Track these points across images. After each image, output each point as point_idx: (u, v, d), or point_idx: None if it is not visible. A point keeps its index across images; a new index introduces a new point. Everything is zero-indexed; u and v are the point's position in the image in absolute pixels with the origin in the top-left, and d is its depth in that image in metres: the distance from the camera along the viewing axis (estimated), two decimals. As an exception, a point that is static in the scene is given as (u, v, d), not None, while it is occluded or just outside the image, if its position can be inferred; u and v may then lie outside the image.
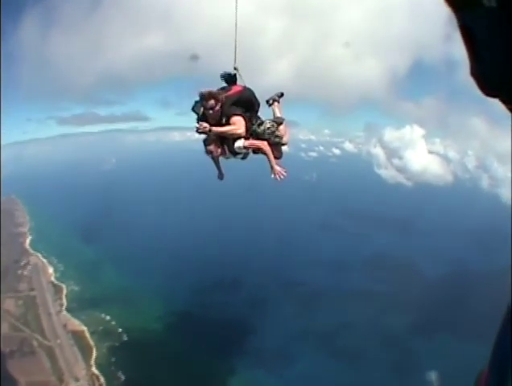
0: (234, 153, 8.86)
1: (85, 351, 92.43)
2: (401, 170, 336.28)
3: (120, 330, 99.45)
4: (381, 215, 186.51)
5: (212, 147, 8.68)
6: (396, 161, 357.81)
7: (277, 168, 8.69)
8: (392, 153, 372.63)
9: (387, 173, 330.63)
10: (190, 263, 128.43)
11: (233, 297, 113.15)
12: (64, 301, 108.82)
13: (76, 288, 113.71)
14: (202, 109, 8.53)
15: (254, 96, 9.02)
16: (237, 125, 8.49)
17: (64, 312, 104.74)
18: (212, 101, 8.38)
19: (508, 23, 1.26)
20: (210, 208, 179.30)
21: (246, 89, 8.92)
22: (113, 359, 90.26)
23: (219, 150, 8.79)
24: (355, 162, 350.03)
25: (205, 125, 8.30)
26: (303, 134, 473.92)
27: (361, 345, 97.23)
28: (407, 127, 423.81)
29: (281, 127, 9.15)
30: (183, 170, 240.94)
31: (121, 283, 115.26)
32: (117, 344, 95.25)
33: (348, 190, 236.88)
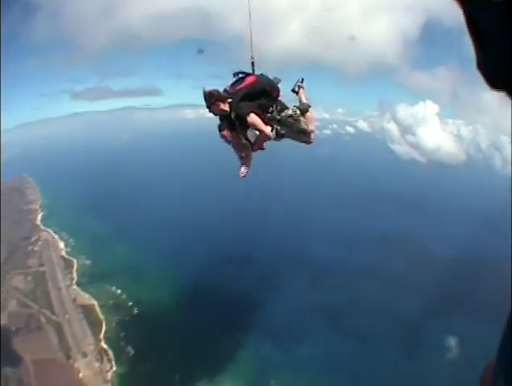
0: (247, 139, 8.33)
1: (95, 326, 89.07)
2: (414, 146, 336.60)
3: (130, 303, 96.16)
4: (394, 192, 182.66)
5: (225, 132, 8.14)
6: (410, 137, 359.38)
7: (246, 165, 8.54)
8: (406, 129, 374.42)
9: (401, 148, 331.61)
10: (201, 238, 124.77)
11: (243, 271, 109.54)
12: (75, 275, 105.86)
13: (88, 262, 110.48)
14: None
15: (270, 84, 8.37)
16: (257, 124, 8.05)
17: (74, 286, 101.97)
18: (213, 102, 7.90)
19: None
20: (221, 184, 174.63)
21: (259, 79, 8.30)
22: (122, 334, 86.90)
23: (232, 134, 8.14)
24: (369, 140, 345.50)
25: (230, 136, 8.21)
26: (317, 112, 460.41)
27: (371, 323, 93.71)
28: (421, 103, 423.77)
29: (307, 114, 8.67)
30: (195, 148, 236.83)
31: (132, 257, 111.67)
32: (127, 318, 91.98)
33: (362, 166, 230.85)
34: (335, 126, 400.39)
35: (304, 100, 8.89)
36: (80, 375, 76.89)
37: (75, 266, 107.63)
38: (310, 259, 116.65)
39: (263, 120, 8.11)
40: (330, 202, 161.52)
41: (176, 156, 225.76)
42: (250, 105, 8.02)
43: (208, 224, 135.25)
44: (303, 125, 8.53)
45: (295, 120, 8.44)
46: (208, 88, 7.90)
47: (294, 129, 8.50)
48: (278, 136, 8.45)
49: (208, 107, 7.93)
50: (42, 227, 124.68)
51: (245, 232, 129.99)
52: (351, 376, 78.66)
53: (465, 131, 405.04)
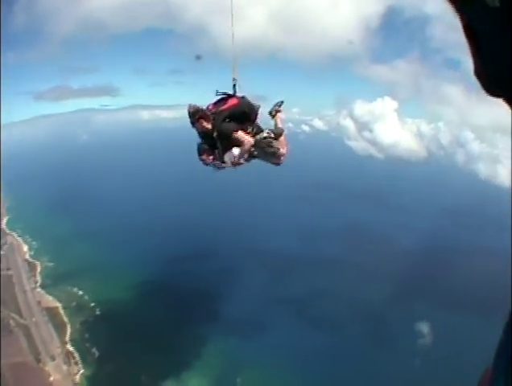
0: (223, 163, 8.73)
1: (60, 328, 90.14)
2: (372, 142, 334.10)
3: (92, 304, 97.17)
4: (353, 187, 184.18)
5: (204, 156, 8.63)
6: (367, 134, 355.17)
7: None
8: (362, 126, 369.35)
9: (358, 145, 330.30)
10: (161, 235, 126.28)
11: (205, 266, 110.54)
12: (39, 278, 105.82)
13: (50, 264, 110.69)
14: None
15: (249, 107, 8.84)
16: (243, 138, 8.48)
17: (39, 289, 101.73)
18: (198, 120, 8.31)
19: (511, 23, 1.25)
20: (180, 182, 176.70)
21: (241, 102, 8.71)
22: (86, 335, 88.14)
23: (210, 158, 8.65)
24: (325, 138, 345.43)
25: (209, 160, 8.55)
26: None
27: (336, 313, 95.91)
28: (379, 100, 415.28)
29: (281, 138, 9.03)
30: (151, 148, 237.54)
31: (93, 257, 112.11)
32: (90, 319, 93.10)
33: (319, 163, 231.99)
34: (290, 125, 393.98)
35: (279, 125, 9.25)
36: (51, 378, 78.01)
37: (38, 269, 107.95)
38: (272, 252, 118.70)
39: (235, 143, 8.53)
40: (290, 197, 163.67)
41: (134, 156, 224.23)
42: (234, 126, 8.44)
43: (168, 221, 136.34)
44: (275, 148, 8.84)
45: (268, 142, 8.78)
46: (193, 106, 8.26)
47: (266, 151, 8.82)
48: (250, 156, 8.80)
49: (191, 123, 8.31)
50: (7, 230, 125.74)
51: (206, 227, 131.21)
52: (319, 367, 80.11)
53: (426, 128, 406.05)
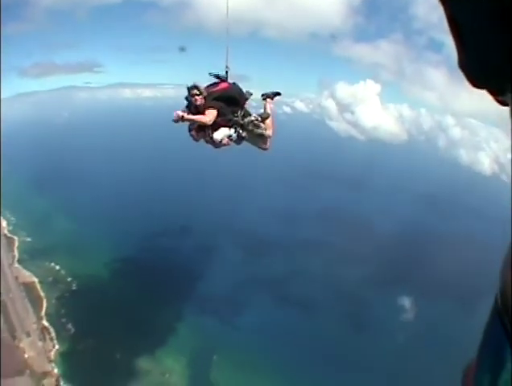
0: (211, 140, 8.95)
1: (36, 303, 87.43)
2: (353, 124, 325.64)
3: (69, 279, 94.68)
4: (333, 169, 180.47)
5: (193, 132, 8.85)
6: (348, 115, 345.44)
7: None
8: (344, 108, 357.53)
9: (339, 126, 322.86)
10: (138, 212, 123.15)
11: (181, 243, 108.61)
12: (16, 253, 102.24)
13: (28, 239, 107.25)
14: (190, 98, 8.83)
15: (239, 93, 9.30)
16: (207, 115, 8.66)
17: (16, 264, 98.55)
18: (195, 92, 8.69)
19: (496, 15, 1.18)
20: (159, 159, 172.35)
21: (232, 87, 9.21)
22: (62, 311, 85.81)
23: (199, 134, 8.85)
24: (306, 120, 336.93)
25: (179, 113, 8.56)
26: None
27: (312, 293, 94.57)
28: (361, 82, 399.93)
29: (267, 121, 9.53)
30: (133, 125, 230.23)
31: (70, 233, 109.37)
32: (66, 294, 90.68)
33: (300, 144, 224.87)
34: (271, 106, 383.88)
35: (268, 110, 9.71)
36: (26, 355, 75.94)
37: (16, 244, 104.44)
38: (249, 232, 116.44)
39: (223, 123, 8.86)
40: (268, 178, 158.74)
41: (116, 133, 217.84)
42: (218, 104, 8.78)
43: (146, 198, 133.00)
44: (261, 130, 9.33)
45: (255, 125, 9.24)
46: (193, 83, 8.68)
47: (254, 133, 9.26)
48: (239, 138, 9.15)
49: (189, 95, 8.73)
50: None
51: (183, 205, 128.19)
52: (296, 347, 79.48)
53: (408, 112, 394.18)
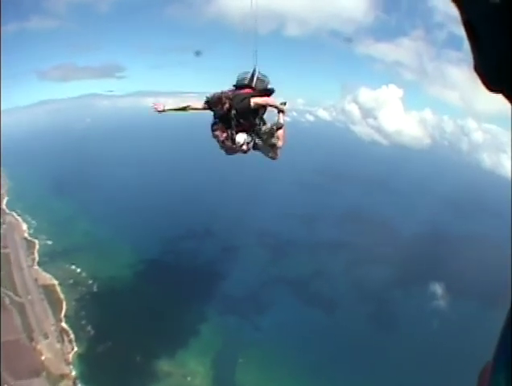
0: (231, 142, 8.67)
1: (55, 305, 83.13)
2: (376, 129, 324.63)
3: (90, 281, 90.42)
4: (356, 172, 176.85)
5: (218, 132, 8.55)
6: (371, 120, 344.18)
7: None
8: (367, 113, 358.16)
9: (362, 130, 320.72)
10: (160, 215, 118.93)
11: (203, 245, 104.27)
12: (36, 255, 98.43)
13: (49, 242, 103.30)
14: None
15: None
16: (261, 101, 8.79)
17: (36, 266, 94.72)
18: (217, 105, 8.49)
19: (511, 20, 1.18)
20: (182, 164, 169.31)
21: (255, 91, 9.12)
22: (82, 313, 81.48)
23: (224, 135, 8.51)
24: (329, 126, 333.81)
25: (159, 105, 9.29)
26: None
27: (335, 294, 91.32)
28: (384, 87, 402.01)
29: (279, 131, 9.21)
30: (155, 132, 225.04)
31: (92, 236, 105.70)
32: (87, 296, 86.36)
33: (323, 149, 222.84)
34: (294, 114, 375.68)
35: (281, 120, 9.14)
36: (43, 357, 71.35)
37: (37, 247, 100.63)
38: (272, 234, 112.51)
39: (246, 128, 8.63)
40: (292, 181, 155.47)
41: (138, 140, 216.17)
42: (249, 100, 8.51)
43: (168, 202, 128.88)
44: (275, 140, 9.07)
45: (271, 134, 8.98)
46: (211, 95, 8.41)
47: (267, 143, 9.02)
48: (253, 147, 8.91)
49: (209, 108, 8.50)
50: (7, 211, 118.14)
51: (205, 208, 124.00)
52: (320, 347, 75.79)
53: (430, 116, 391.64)
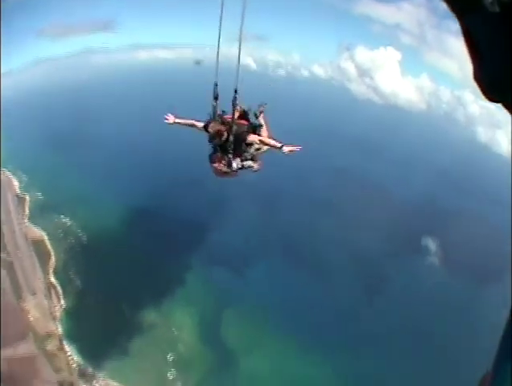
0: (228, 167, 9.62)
1: (44, 259, 78.36)
2: (372, 88, 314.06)
3: (79, 232, 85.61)
4: (350, 131, 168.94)
5: (217, 165, 9.53)
6: (367, 80, 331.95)
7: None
8: (363, 72, 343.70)
9: (358, 88, 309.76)
10: (152, 169, 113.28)
11: (193, 195, 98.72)
12: (27, 210, 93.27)
13: (40, 196, 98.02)
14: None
15: (249, 130, 9.91)
16: (257, 139, 9.83)
17: (26, 222, 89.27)
18: (217, 136, 9.35)
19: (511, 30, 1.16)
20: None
21: (248, 125, 9.98)
22: (71, 265, 77.07)
23: (221, 165, 9.44)
24: (324, 84, 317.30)
25: (170, 118, 10.63)
26: (272, 55, 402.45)
27: (325, 254, 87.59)
28: (381, 49, 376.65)
29: (258, 156, 10.11)
30: (149, 87, 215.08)
31: (83, 187, 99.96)
32: (76, 248, 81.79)
33: (316, 105, 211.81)
34: (289, 68, 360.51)
35: (262, 122, 10.42)
36: (30, 317, 67.05)
37: (27, 202, 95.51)
38: (261, 187, 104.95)
39: (239, 153, 9.60)
40: (281, 136, 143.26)
41: (132, 95, 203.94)
42: (248, 131, 9.66)
43: (157, 154, 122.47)
44: (255, 162, 10.06)
45: (252, 158, 9.94)
46: (212, 127, 9.26)
47: (249, 165, 9.92)
48: (240, 168, 9.79)
49: (211, 138, 9.43)
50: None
51: (195, 159, 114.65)
52: (308, 305, 72.78)
53: (427, 83, 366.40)
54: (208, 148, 9.76)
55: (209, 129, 9.06)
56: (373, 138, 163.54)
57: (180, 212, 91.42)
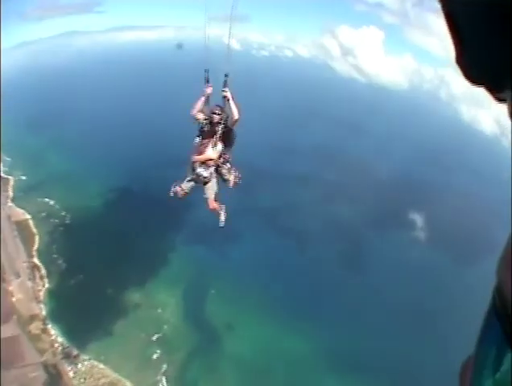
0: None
1: (28, 241, 77.52)
2: (355, 67, 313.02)
3: (63, 213, 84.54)
4: (332, 109, 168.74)
5: (202, 148, 10.71)
6: (350, 58, 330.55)
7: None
8: (346, 51, 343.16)
9: (340, 66, 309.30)
10: (133, 149, 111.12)
11: (172, 174, 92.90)
12: (11, 192, 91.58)
13: (23, 177, 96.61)
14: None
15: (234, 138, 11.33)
16: (209, 153, 11.03)
17: (10, 203, 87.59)
18: (217, 111, 10.52)
19: (495, 10, 1.10)
20: (155, 98, 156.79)
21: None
22: (54, 246, 76.09)
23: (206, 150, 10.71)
24: (307, 62, 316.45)
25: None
26: (255, 36, 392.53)
27: (306, 228, 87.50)
28: (364, 27, 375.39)
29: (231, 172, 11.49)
30: (131, 68, 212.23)
31: (66, 169, 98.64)
32: (60, 228, 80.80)
33: (300, 84, 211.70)
34: (272, 48, 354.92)
35: (234, 109, 10.53)
36: (14, 299, 66.05)
37: (11, 183, 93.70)
38: (243, 164, 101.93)
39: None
40: (262, 115, 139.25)
41: (115, 76, 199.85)
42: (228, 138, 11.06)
43: (140, 136, 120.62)
44: (229, 177, 11.49)
45: (228, 171, 11.49)
46: (218, 112, 10.46)
47: (225, 177, 11.48)
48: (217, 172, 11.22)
49: (214, 115, 10.54)
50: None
51: (174, 138, 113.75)
52: (290, 281, 73.09)
53: (411, 61, 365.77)
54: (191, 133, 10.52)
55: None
56: (355, 116, 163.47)
57: (161, 192, 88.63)
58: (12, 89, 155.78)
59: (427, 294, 72.64)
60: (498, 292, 1.16)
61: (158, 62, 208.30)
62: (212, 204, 10.46)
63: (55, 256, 73.58)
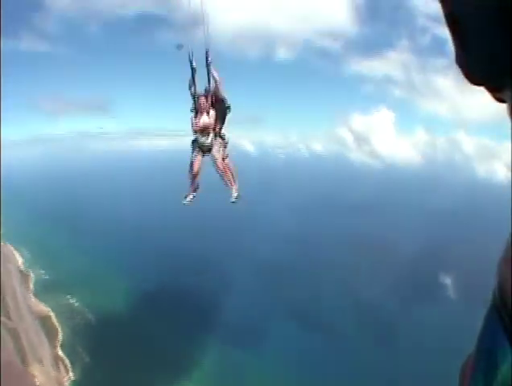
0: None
1: (50, 334, 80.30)
2: (370, 154, 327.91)
3: (85, 311, 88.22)
4: (354, 198, 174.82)
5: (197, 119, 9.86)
6: (365, 145, 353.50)
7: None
8: (360, 138, 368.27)
9: (356, 156, 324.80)
10: (156, 250, 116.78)
11: (199, 275, 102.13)
12: (31, 287, 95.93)
13: (43, 273, 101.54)
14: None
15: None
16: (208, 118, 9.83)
17: (31, 297, 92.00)
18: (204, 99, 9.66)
19: (497, 10, 1.07)
20: (173, 201, 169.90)
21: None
22: (78, 341, 78.90)
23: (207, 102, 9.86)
24: (323, 158, 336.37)
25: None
26: (270, 138, 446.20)
27: (335, 317, 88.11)
28: (375, 113, 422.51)
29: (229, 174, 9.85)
30: (148, 174, 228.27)
31: (87, 268, 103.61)
32: (83, 326, 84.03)
33: (317, 180, 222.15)
34: (289, 150, 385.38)
35: (216, 75, 9.60)
36: (37, 381, 67.41)
37: (31, 278, 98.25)
38: (266, 259, 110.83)
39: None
40: (285, 207, 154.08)
41: (132, 179, 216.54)
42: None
43: (163, 237, 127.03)
44: (219, 153, 10.05)
45: (223, 145, 10.08)
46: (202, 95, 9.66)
47: (215, 148, 10.08)
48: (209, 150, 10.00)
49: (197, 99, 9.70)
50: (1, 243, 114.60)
51: (198, 241, 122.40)
52: (323, 372, 72.13)
53: (423, 136, 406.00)
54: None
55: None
56: (375, 201, 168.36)
57: (188, 292, 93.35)
58: (30, 183, 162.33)
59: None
60: (499, 290, 1.21)
61: (173, 168, 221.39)
62: (221, 164, 9.63)
63: (78, 349, 75.80)
